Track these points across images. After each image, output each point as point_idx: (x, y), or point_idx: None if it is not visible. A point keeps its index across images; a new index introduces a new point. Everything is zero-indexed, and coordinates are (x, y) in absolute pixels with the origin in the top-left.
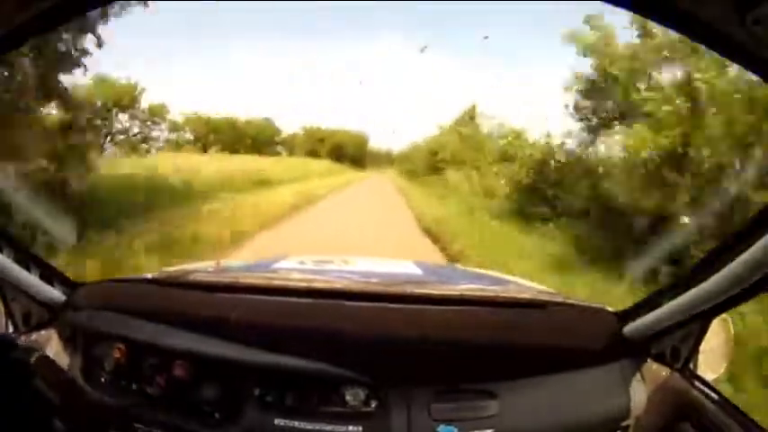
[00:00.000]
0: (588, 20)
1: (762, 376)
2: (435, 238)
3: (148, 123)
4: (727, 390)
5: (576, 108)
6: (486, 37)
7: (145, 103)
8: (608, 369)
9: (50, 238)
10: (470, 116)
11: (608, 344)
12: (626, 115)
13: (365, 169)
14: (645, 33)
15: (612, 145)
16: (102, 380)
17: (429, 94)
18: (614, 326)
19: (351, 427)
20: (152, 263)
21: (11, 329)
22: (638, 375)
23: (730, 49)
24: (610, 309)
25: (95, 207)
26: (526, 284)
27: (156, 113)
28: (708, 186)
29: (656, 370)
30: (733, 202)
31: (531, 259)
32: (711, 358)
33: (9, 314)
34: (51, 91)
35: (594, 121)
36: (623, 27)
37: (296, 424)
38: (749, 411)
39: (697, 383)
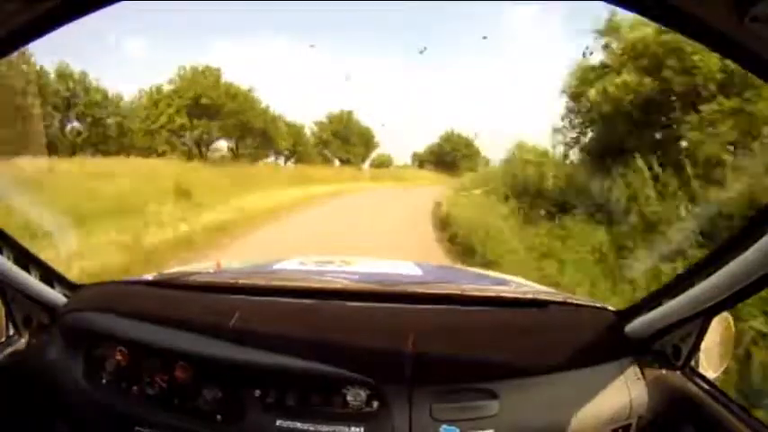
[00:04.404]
0: None
1: None
2: None
3: None
4: None
5: None
6: (485, 37)
7: None
8: (609, 368)
9: None
10: None
11: (609, 343)
12: None
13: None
14: None
15: None
16: (103, 381)
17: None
18: (615, 324)
19: (352, 428)
20: None
21: (11, 331)
22: (639, 374)
23: (729, 48)
24: (611, 307)
25: None
26: (526, 284)
27: None
28: None
29: (657, 368)
30: None
31: None
32: (712, 356)
33: (9, 316)
34: None
35: None
36: None
37: (297, 425)
38: None
39: (698, 381)
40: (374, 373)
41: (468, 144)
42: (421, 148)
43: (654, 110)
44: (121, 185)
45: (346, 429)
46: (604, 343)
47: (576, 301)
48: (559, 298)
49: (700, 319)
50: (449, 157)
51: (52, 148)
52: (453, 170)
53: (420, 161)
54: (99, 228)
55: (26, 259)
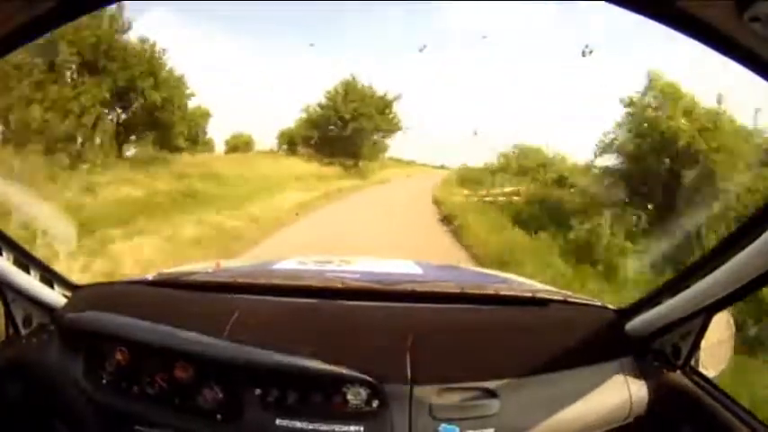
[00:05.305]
0: None
1: None
2: None
3: None
4: None
5: None
6: (485, 37)
7: None
8: (609, 366)
9: None
10: None
11: (609, 341)
12: None
13: None
14: None
15: None
16: (103, 381)
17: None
18: (615, 323)
19: (352, 427)
20: None
21: (11, 332)
22: (639, 373)
23: (729, 47)
24: (611, 306)
25: None
26: (526, 282)
27: None
28: None
29: (657, 367)
30: None
31: None
32: (712, 355)
33: (9, 316)
34: None
35: None
36: None
37: (297, 424)
38: None
39: (698, 380)
40: (374, 371)
41: (384, 107)
42: (291, 122)
43: None
44: None
45: (346, 428)
46: (604, 342)
47: (576, 300)
48: (560, 296)
49: (700, 318)
50: (345, 131)
51: None
52: (349, 157)
53: (289, 143)
54: None
55: (26, 260)
